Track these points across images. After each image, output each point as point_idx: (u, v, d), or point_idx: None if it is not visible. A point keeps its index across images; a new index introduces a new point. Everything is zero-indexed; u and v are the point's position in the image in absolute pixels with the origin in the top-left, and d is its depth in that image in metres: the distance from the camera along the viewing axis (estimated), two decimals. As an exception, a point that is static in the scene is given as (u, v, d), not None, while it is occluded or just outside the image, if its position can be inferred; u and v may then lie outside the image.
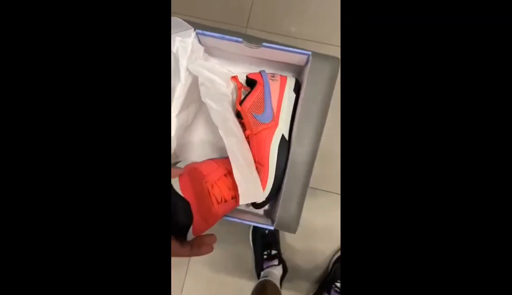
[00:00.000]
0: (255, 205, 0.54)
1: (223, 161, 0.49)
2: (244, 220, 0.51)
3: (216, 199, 0.44)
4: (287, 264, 0.98)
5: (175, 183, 0.42)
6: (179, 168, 0.46)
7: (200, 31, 0.50)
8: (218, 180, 0.46)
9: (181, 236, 0.41)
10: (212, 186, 0.45)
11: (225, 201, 0.45)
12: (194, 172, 0.45)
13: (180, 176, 0.44)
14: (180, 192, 0.41)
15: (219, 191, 0.45)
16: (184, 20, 0.48)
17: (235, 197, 0.46)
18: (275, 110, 0.52)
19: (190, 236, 0.42)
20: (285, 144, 0.51)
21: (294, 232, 0.57)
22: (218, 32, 0.50)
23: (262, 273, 0.95)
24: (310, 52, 0.50)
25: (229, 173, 0.46)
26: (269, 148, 0.51)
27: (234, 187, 0.46)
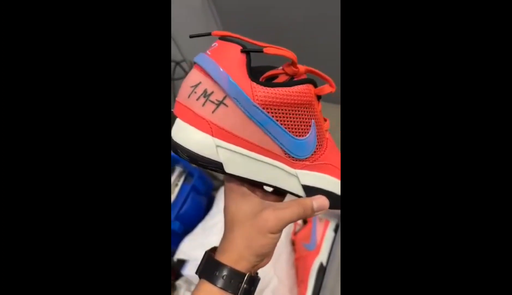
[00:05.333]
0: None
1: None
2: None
3: None
4: None
5: None
6: None
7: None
8: None
9: None
10: None
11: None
12: None
13: None
14: None
15: None
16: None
17: None
18: (318, 242, 0.74)
19: None
20: (322, 269, 0.71)
21: None
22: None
23: None
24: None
25: None
26: (310, 268, 0.72)
27: None
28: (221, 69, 0.25)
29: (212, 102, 0.25)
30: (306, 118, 0.28)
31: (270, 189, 0.32)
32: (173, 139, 0.26)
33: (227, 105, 0.25)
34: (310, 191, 0.30)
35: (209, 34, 0.26)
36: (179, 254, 0.72)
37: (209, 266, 0.28)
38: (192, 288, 0.72)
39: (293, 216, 0.28)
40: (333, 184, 0.31)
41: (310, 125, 0.28)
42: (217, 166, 0.26)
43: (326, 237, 0.75)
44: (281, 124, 0.26)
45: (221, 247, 0.28)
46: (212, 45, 0.26)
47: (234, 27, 1.11)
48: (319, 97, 0.29)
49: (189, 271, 0.68)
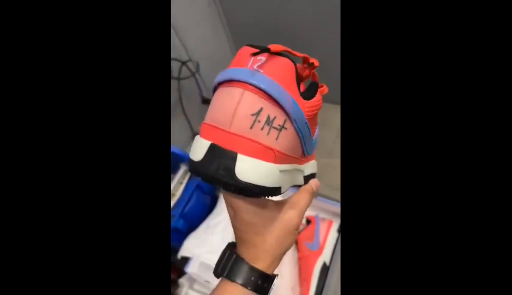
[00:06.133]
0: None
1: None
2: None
3: None
4: None
5: None
6: None
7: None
8: None
9: None
10: None
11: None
12: None
13: None
14: None
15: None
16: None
17: None
18: (321, 242, 0.74)
19: None
20: (325, 269, 0.71)
21: None
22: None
23: None
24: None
25: None
26: (313, 268, 0.72)
27: None
28: (286, 92, 0.22)
29: (275, 128, 0.23)
30: (317, 119, 0.29)
31: None
32: (239, 180, 0.22)
33: (286, 128, 0.23)
34: (308, 178, 0.32)
35: (269, 50, 0.22)
36: (183, 252, 0.72)
37: (241, 270, 0.28)
38: (195, 285, 0.73)
39: (307, 204, 0.31)
40: (315, 166, 0.34)
41: (317, 123, 0.29)
42: (276, 191, 0.24)
43: (329, 237, 0.75)
44: (311, 132, 0.27)
45: (250, 253, 0.29)
46: (258, 59, 0.23)
47: (240, 26, 1.11)
48: None
49: (192, 268, 0.69)
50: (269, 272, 0.29)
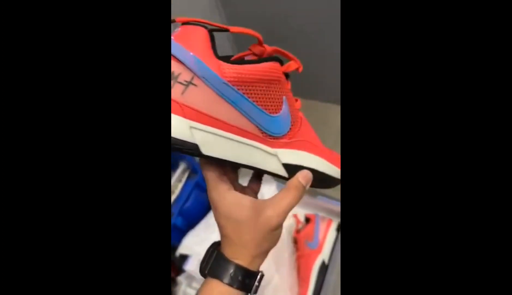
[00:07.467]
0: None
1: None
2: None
3: None
4: None
5: None
6: None
7: (278, 182, 0.79)
8: None
9: None
10: None
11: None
12: None
13: None
14: None
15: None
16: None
17: None
18: (320, 241, 0.74)
19: None
20: (323, 267, 0.71)
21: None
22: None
23: None
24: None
25: None
26: (312, 266, 0.72)
27: None
28: (186, 50, 0.25)
29: (180, 83, 0.25)
30: (277, 95, 0.28)
31: (246, 183, 0.33)
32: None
33: (196, 85, 0.25)
34: (292, 169, 0.30)
35: (174, 20, 0.26)
36: (182, 249, 0.72)
37: (222, 266, 0.28)
38: (194, 283, 0.73)
39: (292, 202, 0.29)
40: (312, 160, 0.31)
41: (282, 102, 0.29)
42: (192, 148, 0.26)
43: (328, 236, 0.75)
44: (253, 101, 0.27)
45: (231, 249, 0.29)
46: (175, 30, 0.26)
47: (239, 20, 1.11)
48: (287, 76, 0.30)
49: (191, 266, 0.69)
50: (251, 268, 0.28)
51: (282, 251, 0.72)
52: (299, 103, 0.32)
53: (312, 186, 0.31)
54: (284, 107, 0.29)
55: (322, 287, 0.69)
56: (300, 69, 0.29)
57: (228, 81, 0.25)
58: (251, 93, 0.27)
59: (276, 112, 0.28)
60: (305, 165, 0.31)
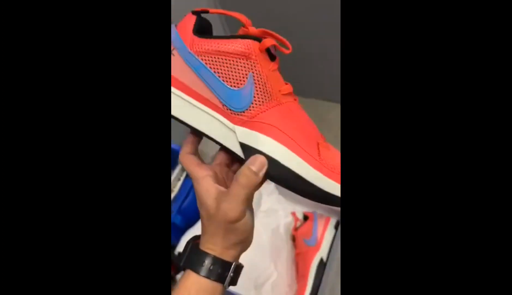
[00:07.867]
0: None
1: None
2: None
3: None
4: None
5: None
6: None
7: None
8: None
9: None
10: None
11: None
12: None
13: None
14: None
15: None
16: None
17: None
18: (319, 238, 0.75)
19: None
20: (322, 264, 0.72)
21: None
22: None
23: None
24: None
25: None
26: (311, 263, 0.72)
27: None
28: (175, 29, 0.30)
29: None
30: (241, 69, 0.29)
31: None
32: None
33: (173, 55, 0.30)
34: (249, 151, 0.28)
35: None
36: (181, 248, 0.73)
37: (195, 257, 0.29)
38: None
39: (243, 193, 0.27)
40: (275, 148, 0.28)
41: (246, 77, 0.29)
42: None
43: (326, 233, 0.76)
44: (214, 71, 0.29)
45: (204, 238, 0.29)
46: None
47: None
48: (272, 57, 0.30)
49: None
50: (223, 257, 0.28)
51: (280, 248, 0.72)
52: (286, 88, 0.30)
53: (271, 179, 0.28)
54: (249, 83, 0.28)
55: (321, 284, 0.70)
56: (289, 51, 0.29)
57: (195, 52, 0.29)
58: (212, 64, 0.29)
59: (238, 87, 0.29)
60: (263, 150, 0.28)
